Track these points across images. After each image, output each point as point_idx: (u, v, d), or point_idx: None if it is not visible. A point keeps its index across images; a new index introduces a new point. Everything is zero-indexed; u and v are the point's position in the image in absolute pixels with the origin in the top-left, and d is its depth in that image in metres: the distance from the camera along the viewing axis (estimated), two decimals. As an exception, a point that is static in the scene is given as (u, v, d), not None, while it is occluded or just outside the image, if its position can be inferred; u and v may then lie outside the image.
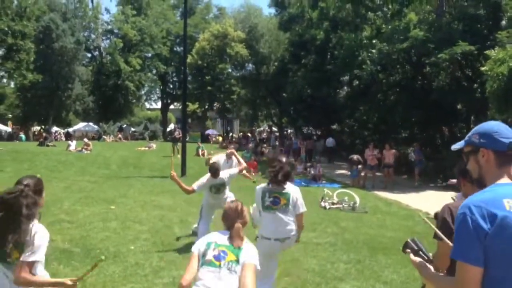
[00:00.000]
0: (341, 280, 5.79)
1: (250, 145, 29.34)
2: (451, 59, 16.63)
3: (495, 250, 1.79)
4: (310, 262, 6.55)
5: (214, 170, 6.67)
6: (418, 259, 2.20)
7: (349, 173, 17.45)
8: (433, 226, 2.40)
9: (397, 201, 12.76)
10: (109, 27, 45.50)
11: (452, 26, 17.81)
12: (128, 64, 40.45)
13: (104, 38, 45.45)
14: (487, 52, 12.21)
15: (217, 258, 3.07)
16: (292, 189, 4.58)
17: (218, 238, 3.15)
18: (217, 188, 6.87)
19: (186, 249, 6.64)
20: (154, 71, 46.54)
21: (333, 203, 11.51)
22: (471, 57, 16.84)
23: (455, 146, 2.25)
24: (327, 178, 17.74)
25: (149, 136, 40.76)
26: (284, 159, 4.70)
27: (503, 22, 16.97)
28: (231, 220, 3.17)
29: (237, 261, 3.07)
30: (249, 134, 37.02)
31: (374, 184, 16.04)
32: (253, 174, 17.83)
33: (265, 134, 42.56)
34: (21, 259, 2.75)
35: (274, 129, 41.42)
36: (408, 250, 2.25)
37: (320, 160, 20.47)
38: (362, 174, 16.33)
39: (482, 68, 12.19)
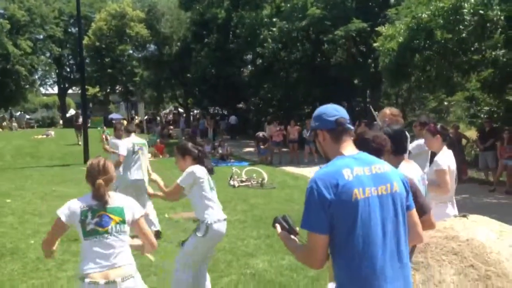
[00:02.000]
0: (252, 256, 5.92)
1: (157, 127, 28.77)
2: (347, 36, 17.44)
3: (337, 216, 2.01)
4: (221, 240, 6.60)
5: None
6: (283, 232, 2.35)
7: (256, 150, 17.79)
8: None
9: (304, 175, 13.24)
10: (-7, 7, 41.74)
11: (346, 4, 18.58)
12: (17, 47, 37.37)
13: (-13, 19, 41.62)
14: (378, 28, 12.90)
15: (100, 224, 2.93)
16: None
17: (86, 202, 2.97)
18: None
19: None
20: (48, 54, 43.52)
21: (241, 181, 11.68)
22: (365, 34, 17.77)
23: (308, 135, 2.56)
24: (235, 157, 17.94)
25: (47, 123, 38.40)
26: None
27: (392, 0, 18.04)
28: (94, 178, 2.99)
29: (123, 221, 2.99)
30: (151, 117, 36.35)
31: (281, 160, 16.49)
32: (161, 157, 17.57)
33: (171, 116, 41.86)
34: None
35: (181, 110, 40.86)
36: (277, 225, 2.38)
37: (223, 138, 20.66)
38: (268, 150, 16.71)
39: (375, 44, 12.87)
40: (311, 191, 2.05)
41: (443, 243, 3.36)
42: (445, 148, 4.46)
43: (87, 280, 2.88)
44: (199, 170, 4.14)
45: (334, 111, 2.24)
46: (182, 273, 4.09)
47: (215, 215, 4.12)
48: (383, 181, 2.10)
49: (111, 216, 2.96)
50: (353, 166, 2.07)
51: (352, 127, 2.24)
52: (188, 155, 4.27)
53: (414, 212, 2.32)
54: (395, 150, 3.09)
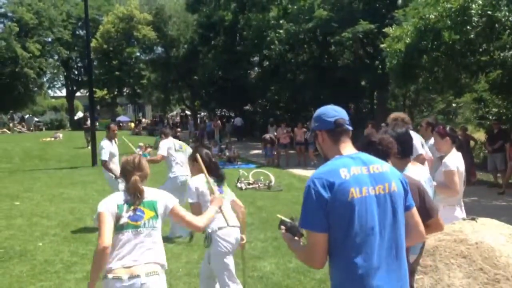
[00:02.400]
0: (259, 259, 5.91)
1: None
2: (354, 38, 17.37)
3: (334, 214, 2.02)
4: (228, 242, 6.60)
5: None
6: (287, 234, 2.37)
7: (263, 152, 17.78)
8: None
9: (310, 177, 13.20)
10: (2, 10, 42.03)
11: (353, 6, 18.54)
12: (26, 50, 37.63)
13: (-4, 22, 41.91)
14: (385, 29, 12.85)
15: (133, 218, 2.95)
16: None
17: (123, 197, 3.00)
18: None
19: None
20: (56, 57, 43.80)
21: (249, 184, 11.67)
22: (372, 35, 17.70)
23: (308, 136, 2.55)
24: (242, 159, 17.93)
25: (55, 126, 38.61)
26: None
27: (399, 1, 17.96)
28: (129, 174, 3.03)
29: (156, 215, 3.01)
30: (157, 119, 36.48)
31: (288, 162, 16.46)
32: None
33: (178, 118, 41.97)
34: None
35: (188, 112, 40.95)
36: (282, 227, 2.41)
37: (230, 141, 20.68)
38: (275, 153, 16.70)
39: (382, 45, 12.82)
40: (309, 191, 2.07)
41: (452, 246, 3.34)
42: (454, 150, 4.44)
43: (110, 275, 2.86)
44: (199, 183, 4.00)
45: (333, 111, 2.26)
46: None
47: (216, 223, 3.82)
48: (381, 181, 2.11)
49: (145, 210, 2.98)
50: (351, 165, 2.10)
51: (351, 128, 2.26)
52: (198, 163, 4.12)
53: (414, 211, 2.32)
54: (401, 152, 3.07)
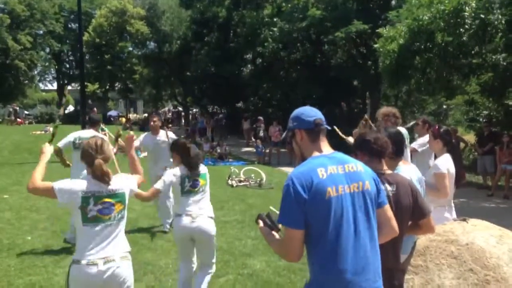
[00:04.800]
0: (249, 256, 5.90)
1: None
2: (347, 38, 17.39)
3: (312, 212, 2.12)
4: (218, 240, 6.56)
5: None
6: (264, 227, 2.48)
7: (254, 150, 17.78)
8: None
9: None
10: (-7, 1, 41.60)
11: (347, 6, 18.56)
12: (17, 42, 37.26)
13: (-13, 13, 41.47)
14: (379, 30, 12.88)
15: (103, 212, 2.92)
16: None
17: (88, 186, 2.93)
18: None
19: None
20: (48, 50, 43.46)
21: (240, 181, 11.65)
22: (365, 36, 17.73)
23: (283, 136, 2.63)
24: (233, 156, 17.91)
25: (46, 119, 38.21)
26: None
27: (393, 2, 18.05)
28: (91, 157, 2.95)
29: (125, 207, 3.02)
30: (146, 115, 36.35)
31: (279, 160, 16.47)
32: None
33: (170, 114, 41.82)
34: None
35: (180, 109, 40.80)
36: (260, 221, 2.51)
37: (222, 138, 20.68)
38: (267, 150, 16.70)
39: (375, 45, 12.86)
40: (288, 189, 2.16)
41: (442, 246, 3.36)
42: (445, 151, 4.46)
43: (84, 261, 2.85)
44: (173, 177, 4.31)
45: (312, 112, 2.37)
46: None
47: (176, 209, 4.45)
48: (355, 179, 2.22)
49: (114, 202, 2.95)
50: (327, 165, 2.19)
51: (328, 127, 2.37)
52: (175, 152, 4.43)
53: (387, 208, 2.41)
54: (393, 152, 3.08)
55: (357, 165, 2.27)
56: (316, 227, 2.14)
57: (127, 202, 3.05)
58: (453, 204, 4.51)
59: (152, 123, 7.25)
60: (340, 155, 2.29)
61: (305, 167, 2.21)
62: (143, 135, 7.41)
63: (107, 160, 3.00)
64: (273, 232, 2.42)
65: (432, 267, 3.28)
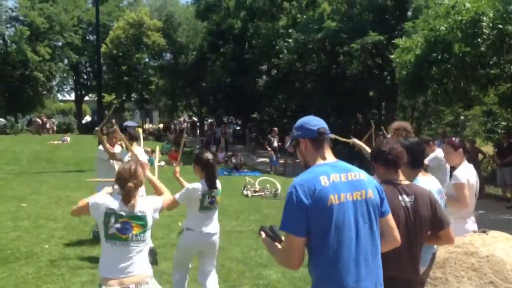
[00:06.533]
0: (265, 267, 5.87)
1: (171, 135, 28.91)
2: (363, 49, 17.36)
3: (314, 219, 2.13)
4: (234, 250, 6.58)
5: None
6: (267, 238, 2.50)
7: (269, 160, 17.76)
8: None
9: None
10: (14, 13, 42.40)
11: (363, 17, 18.56)
12: (36, 54, 37.91)
13: (8, 25, 42.19)
14: (395, 41, 12.84)
15: (121, 231, 3.02)
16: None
17: (113, 204, 3.08)
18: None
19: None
20: (66, 61, 44.12)
21: (255, 191, 11.64)
22: (381, 46, 17.68)
23: (287, 146, 2.69)
24: (248, 167, 17.92)
25: (63, 129, 38.69)
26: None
27: (409, 13, 17.98)
28: (124, 181, 3.10)
29: (145, 230, 3.09)
30: (162, 125, 36.66)
31: (294, 171, 16.41)
32: (175, 165, 17.57)
33: (185, 124, 42.04)
34: None
35: (195, 119, 40.99)
36: (262, 232, 2.55)
37: (237, 148, 20.70)
38: (282, 161, 16.67)
39: (391, 56, 12.81)
40: (291, 196, 2.18)
41: (462, 258, 3.30)
42: (465, 162, 4.38)
43: (103, 287, 3.00)
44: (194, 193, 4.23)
45: (315, 121, 2.40)
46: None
47: (187, 223, 4.29)
48: (358, 188, 2.23)
49: (133, 224, 3.05)
50: (330, 173, 2.21)
51: (331, 136, 2.42)
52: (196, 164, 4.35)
53: (389, 217, 2.40)
54: (411, 162, 3.04)
55: (360, 174, 2.29)
56: (318, 235, 2.15)
57: (149, 225, 3.13)
58: (473, 216, 4.40)
59: (113, 139, 6.96)
60: (343, 163, 2.32)
61: (308, 175, 2.24)
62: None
63: (138, 186, 3.16)
64: (276, 243, 2.44)
65: (451, 280, 3.23)
